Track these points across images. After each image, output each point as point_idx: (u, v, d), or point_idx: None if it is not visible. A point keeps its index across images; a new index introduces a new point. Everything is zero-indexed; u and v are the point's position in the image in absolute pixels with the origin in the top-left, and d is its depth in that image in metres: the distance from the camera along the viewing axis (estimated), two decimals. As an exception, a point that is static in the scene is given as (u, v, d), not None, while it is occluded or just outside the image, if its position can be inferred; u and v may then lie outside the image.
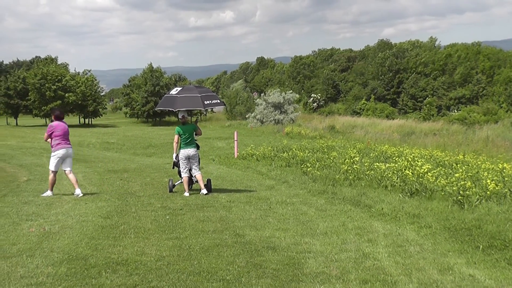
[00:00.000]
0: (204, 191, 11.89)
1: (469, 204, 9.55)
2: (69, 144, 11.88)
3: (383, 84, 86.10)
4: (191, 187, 12.33)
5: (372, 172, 13.59)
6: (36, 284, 5.60)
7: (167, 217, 9.19)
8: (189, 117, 12.51)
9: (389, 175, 12.73)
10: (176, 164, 12.40)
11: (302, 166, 16.15)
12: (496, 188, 10.19)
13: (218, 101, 12.35)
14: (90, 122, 76.98)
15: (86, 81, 73.36)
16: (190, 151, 11.94)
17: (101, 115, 78.18)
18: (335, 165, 15.66)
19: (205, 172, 14.83)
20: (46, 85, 68.32)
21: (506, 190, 10.35)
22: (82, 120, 78.24)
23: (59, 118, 11.89)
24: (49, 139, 11.71)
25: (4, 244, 7.18)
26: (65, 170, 11.85)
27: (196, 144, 12.24)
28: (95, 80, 76.95)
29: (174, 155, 12.24)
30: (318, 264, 6.36)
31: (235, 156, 21.21)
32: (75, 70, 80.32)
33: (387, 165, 14.20)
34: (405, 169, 13.05)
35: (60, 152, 11.61)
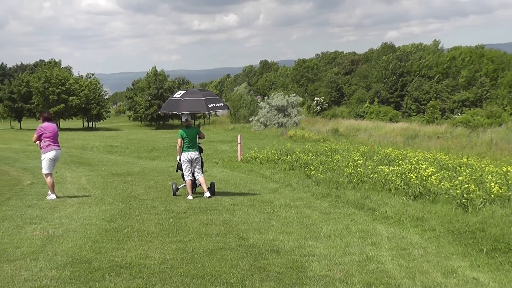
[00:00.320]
0: (208, 194, 11.89)
1: (473, 207, 9.52)
2: (59, 146, 11.92)
3: (387, 87, 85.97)
4: (195, 190, 12.34)
5: (376, 175, 13.57)
6: (40, 287, 5.62)
7: (171, 220, 9.20)
8: (193, 120, 12.52)
9: (393, 178, 12.70)
10: (179, 167, 12.42)
11: (306, 169, 16.13)
12: (500, 191, 10.15)
13: (222, 104, 12.36)
14: (93, 126, 77.13)
15: (89, 84, 73.47)
16: (193, 154, 11.95)
17: (105, 119, 78.25)
18: (338, 168, 15.64)
19: (208, 175, 14.84)
20: (50, 88, 68.47)
21: (510, 193, 10.31)
22: (85, 123, 78.38)
23: (48, 120, 11.93)
24: (38, 141, 11.74)
25: (8, 247, 7.20)
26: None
27: (199, 147, 12.26)
28: (99, 83, 77.05)
29: (178, 157, 12.25)
30: (322, 267, 6.36)
31: (239, 159, 21.21)
32: (78, 74, 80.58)
33: (390, 168, 14.17)
34: (408, 172, 13.03)
35: (51, 153, 11.65)
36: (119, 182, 15.03)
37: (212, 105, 11.93)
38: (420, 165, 14.49)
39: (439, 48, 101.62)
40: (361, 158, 17.86)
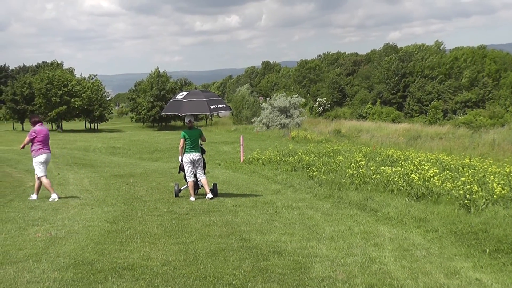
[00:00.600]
0: (210, 195, 11.89)
1: (475, 208, 9.51)
2: (49, 149, 12.15)
3: (389, 88, 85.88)
4: (197, 191, 12.34)
5: (378, 176, 13.56)
6: (43, 289, 5.62)
7: (173, 221, 9.20)
8: (195, 121, 12.53)
9: (395, 179, 12.69)
10: (182, 169, 12.42)
11: (308, 170, 16.13)
12: (503, 191, 10.14)
13: (224, 105, 12.36)
14: (96, 127, 77.25)
15: (92, 86, 73.61)
16: (195, 155, 11.95)
17: (107, 120, 78.40)
18: (341, 169, 15.64)
19: (211, 177, 14.84)
20: (52, 90, 68.64)
21: (512, 193, 10.31)
22: (88, 125, 78.55)
23: (39, 123, 12.07)
24: (29, 144, 11.92)
25: (10, 249, 7.20)
26: (36, 174, 11.91)
27: (202, 148, 12.26)
28: (101, 85, 77.21)
29: (180, 158, 12.24)
30: (324, 268, 6.35)
31: (241, 160, 21.21)
32: (81, 75, 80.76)
33: (393, 169, 14.16)
34: (411, 173, 13.02)
35: (43, 156, 11.85)
36: (121, 183, 15.05)
37: (214, 106, 11.94)
38: (423, 166, 14.47)
39: (441, 48, 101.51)
40: (364, 159, 17.84)
